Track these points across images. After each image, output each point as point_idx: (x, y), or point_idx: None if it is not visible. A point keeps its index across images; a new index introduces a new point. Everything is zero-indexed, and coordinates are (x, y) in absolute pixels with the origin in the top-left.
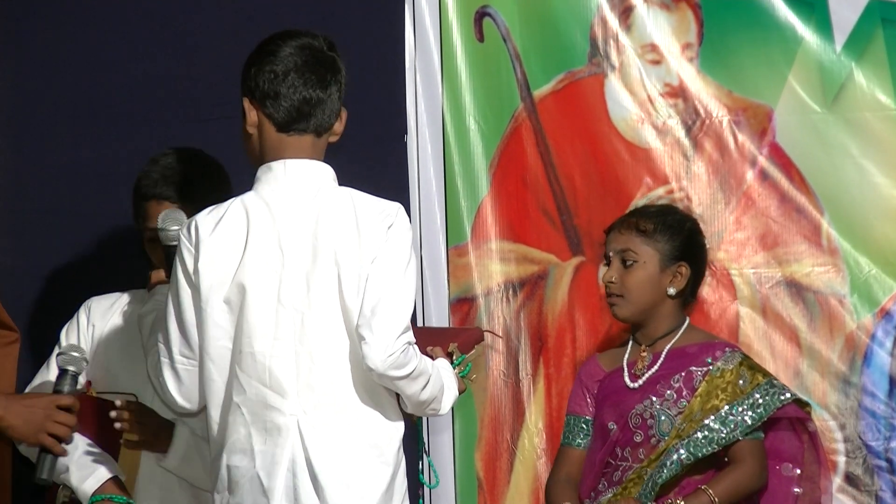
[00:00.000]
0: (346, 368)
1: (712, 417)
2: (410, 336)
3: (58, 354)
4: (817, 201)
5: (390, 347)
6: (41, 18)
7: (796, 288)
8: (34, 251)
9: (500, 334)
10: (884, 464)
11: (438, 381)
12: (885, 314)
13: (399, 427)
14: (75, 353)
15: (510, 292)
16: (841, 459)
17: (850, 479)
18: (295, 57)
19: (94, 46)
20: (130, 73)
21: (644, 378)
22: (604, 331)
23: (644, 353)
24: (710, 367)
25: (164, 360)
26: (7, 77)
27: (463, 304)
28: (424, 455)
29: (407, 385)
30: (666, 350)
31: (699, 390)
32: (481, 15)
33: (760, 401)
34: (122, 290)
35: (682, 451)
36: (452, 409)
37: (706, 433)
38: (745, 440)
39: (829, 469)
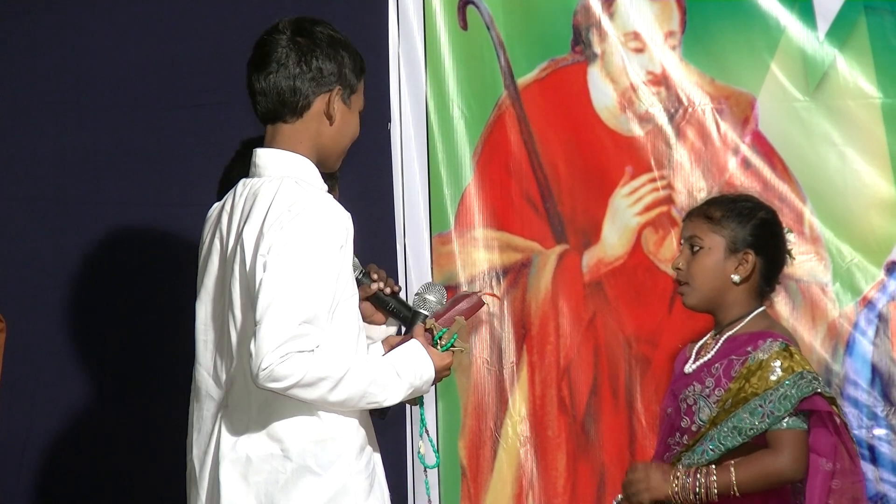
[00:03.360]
0: None
1: (742, 407)
2: (300, 343)
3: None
4: (800, 190)
5: (265, 361)
6: (25, 6)
7: None
8: (19, 238)
9: (498, 294)
10: (866, 452)
11: (364, 378)
12: (868, 303)
13: (314, 421)
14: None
15: (494, 280)
16: None
17: None
18: (253, 51)
19: (79, 33)
20: (116, 59)
21: (697, 364)
22: (587, 318)
23: (710, 341)
24: (748, 356)
25: None
26: None
27: (447, 292)
28: (425, 433)
29: (300, 393)
30: (724, 337)
31: (735, 378)
32: (465, 3)
33: (788, 392)
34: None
35: (710, 444)
36: (436, 396)
37: (734, 423)
38: (784, 429)
39: (859, 462)
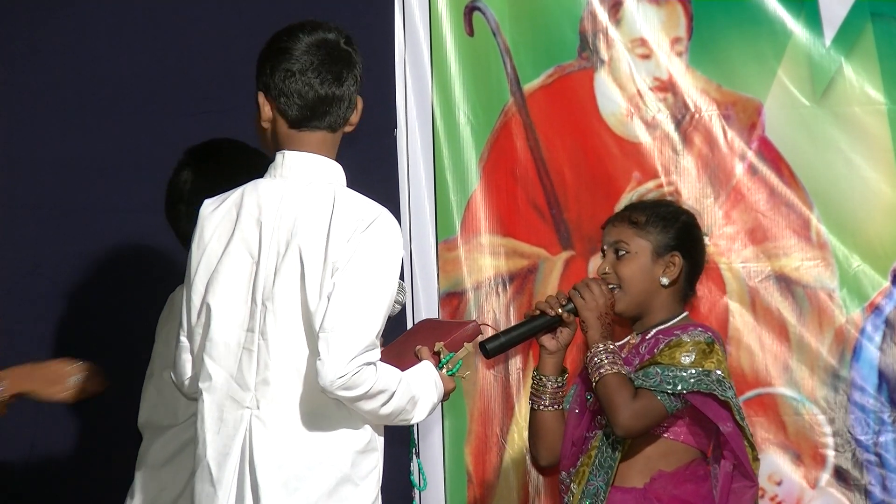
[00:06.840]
0: (303, 367)
1: (639, 372)
2: (370, 355)
3: None
4: (806, 196)
5: (342, 369)
6: (30, 13)
7: (786, 282)
8: (21, 246)
9: (497, 328)
10: (873, 458)
11: (406, 394)
12: (875, 308)
13: (358, 433)
14: None
15: (500, 286)
16: (830, 454)
17: (839, 473)
18: (311, 55)
19: (83, 40)
20: (120, 66)
21: (623, 353)
22: None
23: (633, 340)
24: (674, 336)
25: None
26: None
27: (453, 298)
28: (415, 457)
29: (361, 404)
30: (654, 331)
31: (657, 354)
32: (471, 9)
33: (688, 378)
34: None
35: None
36: (442, 403)
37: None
38: (650, 390)
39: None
